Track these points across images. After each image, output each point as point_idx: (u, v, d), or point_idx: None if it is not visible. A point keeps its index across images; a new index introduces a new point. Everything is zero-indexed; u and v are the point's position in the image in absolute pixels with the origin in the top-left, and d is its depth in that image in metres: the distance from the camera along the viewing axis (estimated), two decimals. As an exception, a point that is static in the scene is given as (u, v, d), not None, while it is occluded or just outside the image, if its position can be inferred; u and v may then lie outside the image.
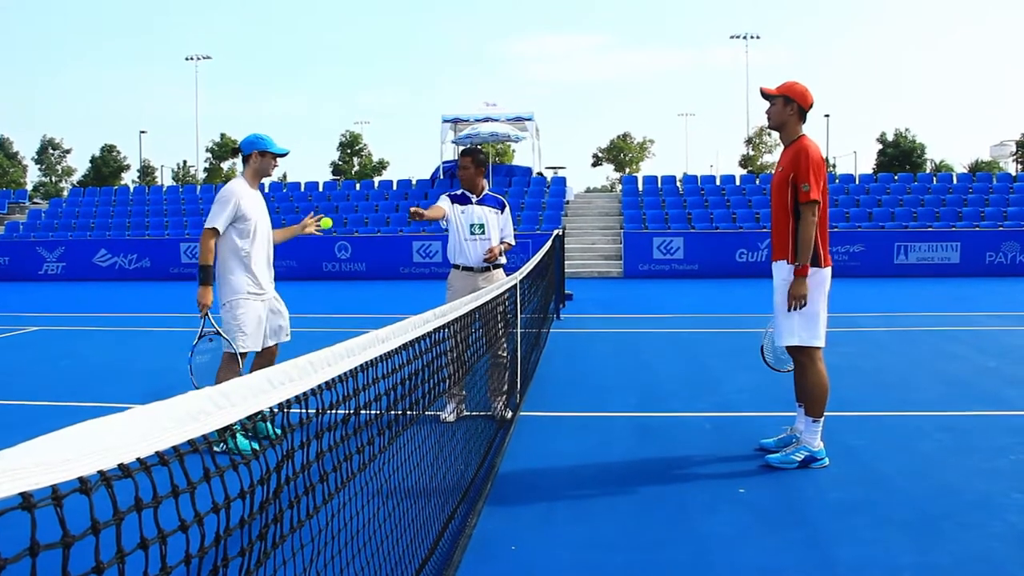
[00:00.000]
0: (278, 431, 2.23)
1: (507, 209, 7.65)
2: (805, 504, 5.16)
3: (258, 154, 6.39)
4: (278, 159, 6.51)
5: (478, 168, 7.42)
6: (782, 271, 5.86)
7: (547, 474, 5.79)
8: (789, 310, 5.77)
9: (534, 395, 8.13)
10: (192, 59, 68.89)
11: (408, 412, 3.34)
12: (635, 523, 4.86)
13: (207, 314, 6.30)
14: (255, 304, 6.32)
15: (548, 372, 9.38)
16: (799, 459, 5.79)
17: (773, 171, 6.07)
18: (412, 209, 6.92)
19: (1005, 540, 4.53)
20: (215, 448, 1.76)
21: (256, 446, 2.53)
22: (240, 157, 6.53)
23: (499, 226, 7.52)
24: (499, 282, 6.44)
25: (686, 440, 6.62)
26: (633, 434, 6.82)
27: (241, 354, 6.29)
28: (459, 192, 7.51)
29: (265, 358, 6.60)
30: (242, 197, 6.30)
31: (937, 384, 8.58)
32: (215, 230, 6.21)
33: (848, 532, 4.67)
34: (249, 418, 1.87)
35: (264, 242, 6.45)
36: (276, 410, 2.04)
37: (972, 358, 10.14)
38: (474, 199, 7.46)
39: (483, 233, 7.36)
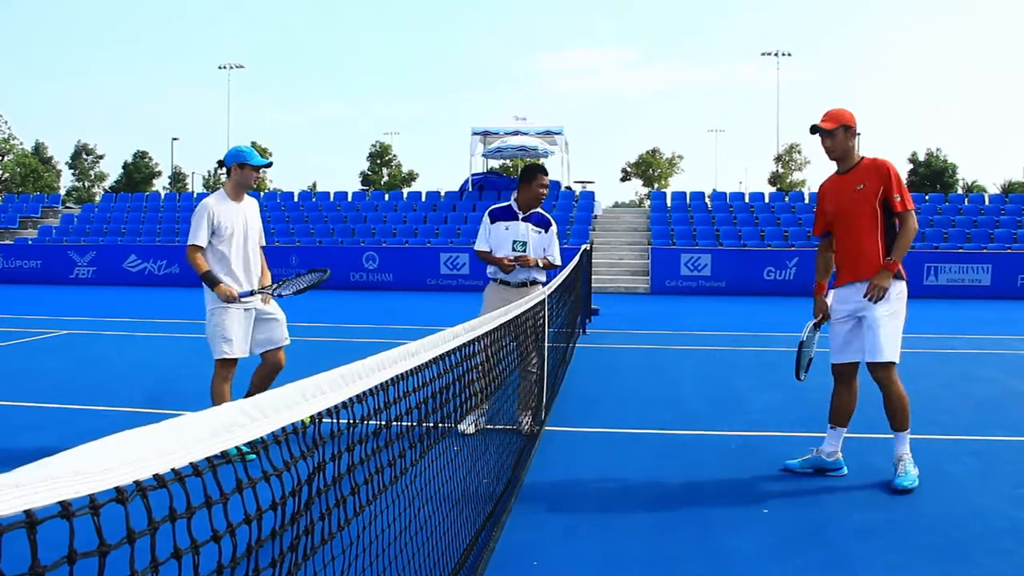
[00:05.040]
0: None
1: (553, 227, 7.53)
2: (829, 525, 5.12)
3: (237, 166, 6.56)
4: (259, 171, 6.67)
5: (542, 180, 7.33)
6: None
7: (571, 489, 5.78)
8: (865, 296, 5.77)
9: (560, 410, 8.11)
10: (225, 68, 69.31)
11: (439, 425, 3.35)
12: (657, 540, 4.84)
13: (239, 297, 6.46)
14: (236, 312, 6.49)
15: (574, 387, 9.37)
16: (916, 473, 5.84)
17: (818, 195, 6.09)
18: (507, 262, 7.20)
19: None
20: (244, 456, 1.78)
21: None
22: (224, 169, 6.71)
23: (542, 245, 7.45)
24: (530, 296, 6.44)
25: (710, 458, 6.59)
26: (657, 451, 6.80)
27: (229, 360, 6.47)
28: (505, 205, 7.43)
29: (267, 365, 6.78)
30: (216, 210, 6.49)
31: (965, 407, 8.50)
32: (197, 246, 6.42)
33: (872, 555, 4.64)
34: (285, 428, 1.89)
35: (243, 251, 6.62)
36: (308, 421, 2.05)
37: (1002, 381, 10.05)
38: (520, 215, 7.40)
39: (524, 252, 7.31)
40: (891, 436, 5.99)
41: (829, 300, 6.21)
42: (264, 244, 7.00)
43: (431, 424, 3.24)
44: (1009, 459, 6.60)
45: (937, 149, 69.04)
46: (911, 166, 68.55)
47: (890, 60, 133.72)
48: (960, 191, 62.58)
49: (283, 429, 1.90)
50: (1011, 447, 7.03)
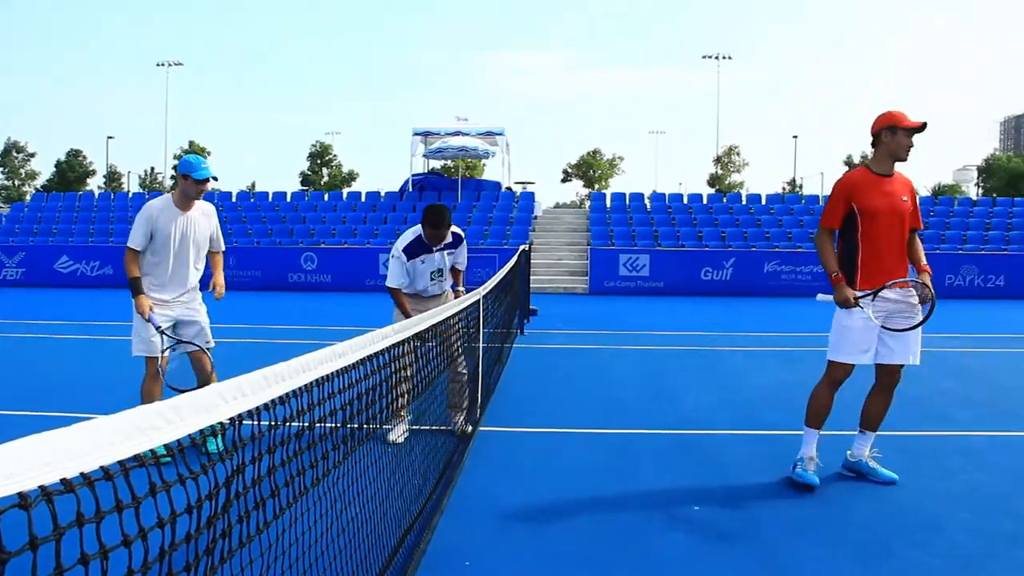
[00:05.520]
0: (226, 448, 2.22)
1: (464, 241, 7.54)
2: (760, 523, 5.20)
3: (182, 177, 6.59)
4: (203, 184, 6.60)
5: (447, 227, 7.18)
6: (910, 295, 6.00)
7: (505, 490, 5.79)
8: (925, 295, 5.94)
9: (495, 410, 8.12)
10: (163, 65, 68.23)
11: (365, 427, 3.34)
12: (591, 540, 4.87)
13: (147, 318, 6.47)
14: (155, 313, 6.47)
15: (510, 387, 9.38)
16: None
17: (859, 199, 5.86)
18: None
19: (949, 560, 4.62)
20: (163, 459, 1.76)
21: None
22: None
23: (454, 260, 7.47)
24: (461, 299, 6.44)
25: (645, 457, 6.64)
26: (593, 451, 6.84)
27: (154, 359, 6.50)
28: (414, 240, 7.19)
29: (195, 366, 6.74)
30: (157, 215, 6.50)
31: (894, 405, 8.64)
32: (132, 249, 6.47)
33: (801, 552, 4.73)
34: (200, 432, 1.88)
35: (179, 259, 6.61)
36: (227, 424, 2.04)
37: (927, 379, 10.25)
38: (434, 248, 7.27)
39: (441, 276, 7.35)
40: (821, 433, 6.09)
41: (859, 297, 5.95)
42: (223, 249, 6.99)
43: (356, 426, 3.23)
44: (931, 455, 6.77)
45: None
46: (846, 168, 69.69)
47: (826, 65, 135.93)
48: (893, 193, 63.70)
49: (201, 432, 1.89)
50: (933, 442, 7.20)
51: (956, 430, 7.62)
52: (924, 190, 68.75)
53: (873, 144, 6.01)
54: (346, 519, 3.34)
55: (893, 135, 5.87)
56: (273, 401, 2.29)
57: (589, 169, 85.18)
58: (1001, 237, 26.62)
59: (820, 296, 6.33)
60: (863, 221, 5.89)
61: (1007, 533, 5.07)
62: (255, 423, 2.21)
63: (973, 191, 71.27)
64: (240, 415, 2.08)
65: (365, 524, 3.58)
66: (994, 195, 55.87)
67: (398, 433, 6.31)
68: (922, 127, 5.88)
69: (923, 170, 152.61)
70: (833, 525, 5.17)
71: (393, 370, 3.84)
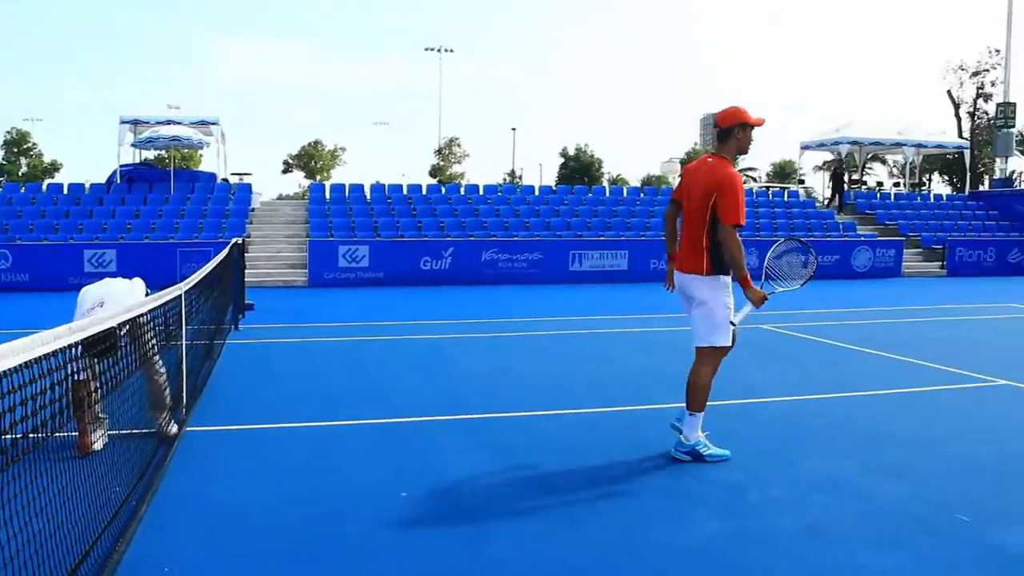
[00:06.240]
0: None
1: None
2: (464, 503, 5.40)
3: None
4: None
5: None
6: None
7: (212, 490, 5.62)
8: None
9: (204, 409, 7.84)
10: None
11: (31, 435, 3.13)
12: (297, 536, 4.82)
13: None
14: None
15: (222, 384, 9.09)
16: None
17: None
18: None
19: (636, 526, 4.95)
20: None
21: None
22: None
23: None
24: (156, 295, 6.17)
25: (355, 448, 6.66)
26: (303, 445, 6.76)
27: None
28: None
29: None
30: None
31: (589, 383, 9.12)
32: None
33: (503, 526, 4.95)
34: None
35: None
36: None
37: (629, 359, 10.89)
38: None
39: None
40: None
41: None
42: None
43: (19, 435, 3.02)
44: (631, 428, 7.18)
45: (585, 144, 73.61)
46: (562, 160, 72.61)
47: (544, 58, 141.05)
48: (605, 184, 67.13)
49: None
50: (632, 416, 7.64)
51: (652, 404, 8.07)
52: (636, 181, 72.76)
53: (721, 138, 6.20)
54: (5, 536, 3.10)
55: (745, 131, 6.13)
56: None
57: (311, 160, 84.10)
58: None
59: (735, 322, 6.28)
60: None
61: (691, 494, 5.51)
62: None
63: (675, 182, 76.16)
64: None
65: (35, 538, 3.35)
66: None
67: (95, 438, 5.98)
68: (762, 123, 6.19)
69: (634, 162, 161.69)
70: (532, 499, 5.43)
71: (71, 372, 3.62)
